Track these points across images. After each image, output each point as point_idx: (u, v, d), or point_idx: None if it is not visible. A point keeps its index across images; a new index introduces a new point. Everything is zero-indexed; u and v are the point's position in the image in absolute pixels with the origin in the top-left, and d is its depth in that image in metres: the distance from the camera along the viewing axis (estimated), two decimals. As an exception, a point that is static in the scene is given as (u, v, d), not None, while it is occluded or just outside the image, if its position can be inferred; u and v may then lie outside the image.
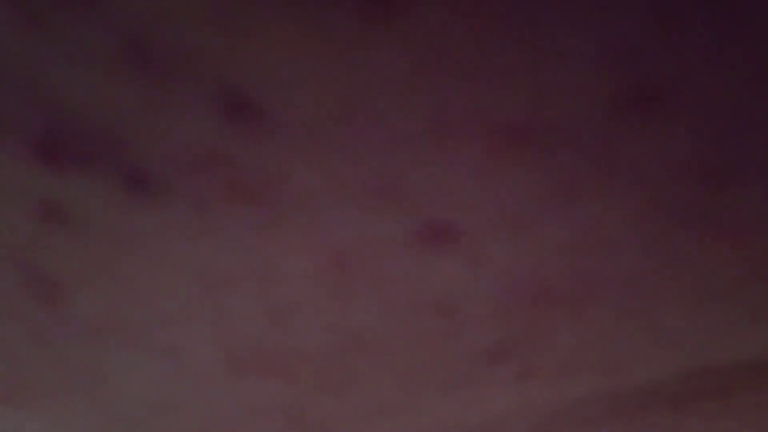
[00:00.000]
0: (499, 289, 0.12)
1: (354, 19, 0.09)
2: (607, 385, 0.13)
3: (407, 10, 0.09)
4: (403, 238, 0.11)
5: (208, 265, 0.12)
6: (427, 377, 0.13)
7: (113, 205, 0.11)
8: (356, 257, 0.11)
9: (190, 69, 0.10)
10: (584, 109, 0.10)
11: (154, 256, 0.12)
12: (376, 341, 0.12)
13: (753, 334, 0.13)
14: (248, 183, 0.11)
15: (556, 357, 0.13)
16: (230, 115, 0.10)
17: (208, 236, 0.11)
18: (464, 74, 0.10)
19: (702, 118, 0.10)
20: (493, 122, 0.10)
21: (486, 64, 0.10)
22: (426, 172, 0.11)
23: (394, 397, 0.13)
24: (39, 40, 0.10)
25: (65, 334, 0.13)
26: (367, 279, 0.12)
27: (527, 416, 0.14)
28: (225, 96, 0.10)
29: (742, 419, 0.14)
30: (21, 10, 0.10)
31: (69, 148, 0.11)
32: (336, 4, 0.09)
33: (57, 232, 0.12)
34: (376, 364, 0.13)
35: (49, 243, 0.12)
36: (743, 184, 0.11)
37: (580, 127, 0.10)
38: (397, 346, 0.12)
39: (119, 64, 0.10)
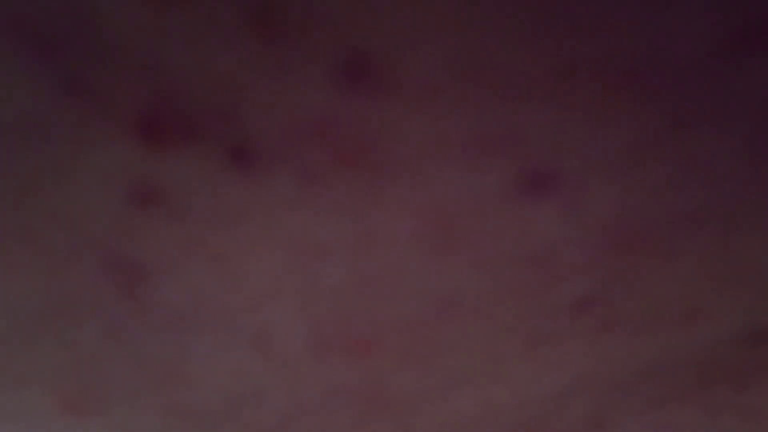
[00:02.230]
0: (594, 236, 0.12)
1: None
2: (682, 342, 0.14)
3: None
4: (502, 191, 0.11)
5: (304, 236, 0.12)
6: (510, 336, 0.13)
7: (214, 181, 0.11)
8: (454, 215, 0.12)
9: (311, 33, 0.10)
10: (696, 49, 0.10)
11: (250, 232, 0.12)
12: (464, 302, 0.12)
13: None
14: (358, 148, 0.11)
15: (639, 306, 0.13)
16: (349, 78, 0.10)
17: (309, 206, 0.11)
18: (586, 21, 0.10)
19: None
20: (611, 66, 0.10)
21: (607, 10, 0.10)
22: (538, 119, 0.11)
23: (476, 363, 0.13)
24: (158, 13, 0.10)
25: (146, 326, 0.13)
26: (463, 237, 0.12)
27: (600, 382, 0.14)
28: (344, 59, 0.10)
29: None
30: None
31: (173, 123, 0.11)
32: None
33: (151, 213, 0.11)
34: (461, 328, 0.13)
35: (140, 225, 0.11)
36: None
37: (692, 66, 0.11)
38: (485, 304, 0.13)
39: (236, 32, 0.10)
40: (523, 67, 0.10)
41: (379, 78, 0.10)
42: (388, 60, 0.10)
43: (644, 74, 0.10)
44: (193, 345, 0.13)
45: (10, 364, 0.13)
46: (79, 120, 0.11)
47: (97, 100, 0.11)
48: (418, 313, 0.13)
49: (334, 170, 0.11)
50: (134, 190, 0.11)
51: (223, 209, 0.11)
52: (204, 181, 0.11)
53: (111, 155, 0.11)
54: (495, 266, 0.12)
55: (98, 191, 0.11)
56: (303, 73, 0.10)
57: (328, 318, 0.13)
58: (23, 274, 0.12)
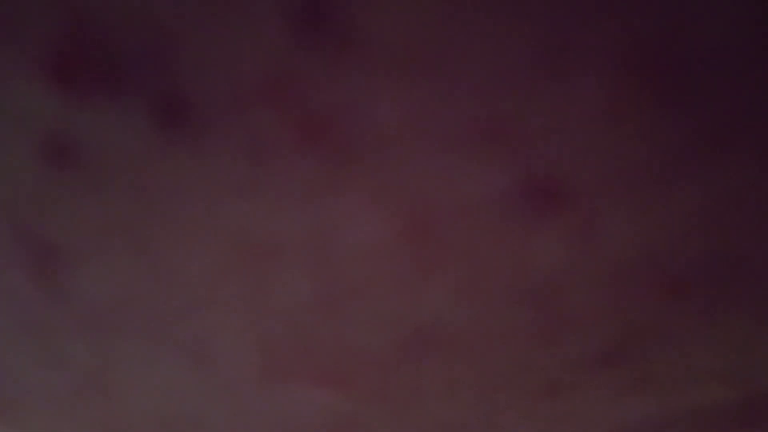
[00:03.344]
0: (614, 272, 0.09)
1: None
2: (727, 399, 0.11)
3: None
4: (498, 199, 0.09)
5: (251, 228, 0.09)
6: (515, 386, 0.11)
7: (140, 144, 0.09)
8: (439, 222, 0.09)
9: None
10: (737, 37, 0.08)
11: (184, 215, 0.09)
12: (454, 337, 0.10)
13: None
14: (316, 118, 0.09)
15: (675, 366, 0.10)
16: (307, 27, 0.08)
17: (258, 189, 0.09)
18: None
19: None
20: (623, 50, 0.08)
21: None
22: (535, 114, 0.08)
23: (472, 411, 0.11)
24: None
25: (62, 322, 0.10)
26: (449, 252, 0.09)
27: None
28: (300, 6, 0.08)
29: None
30: None
31: (90, 67, 0.09)
32: None
33: (65, 176, 0.09)
34: (452, 368, 0.10)
35: (54, 193, 0.09)
36: None
37: (726, 56, 0.08)
38: (480, 343, 0.10)
39: None
40: (510, 44, 0.08)
41: (344, 31, 0.08)
42: (354, 10, 0.08)
43: (669, 70, 0.08)
44: (116, 351, 0.11)
45: None
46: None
47: (5, 29, 0.09)
48: (392, 344, 0.10)
49: (291, 148, 0.09)
50: (48, 146, 0.09)
51: (150, 184, 0.09)
52: (129, 143, 0.09)
53: (21, 99, 0.09)
54: (488, 296, 0.10)
55: (11, 142, 0.09)
56: (250, 16, 0.08)
57: (282, 339, 0.10)
58: None
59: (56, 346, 0.11)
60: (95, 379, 0.11)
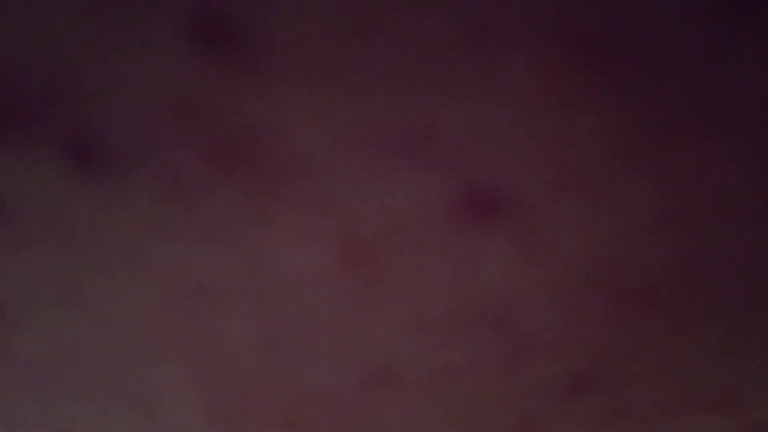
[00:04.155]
0: (571, 283, 0.09)
1: None
2: (718, 427, 0.10)
3: None
4: (436, 212, 0.08)
5: (180, 270, 0.09)
6: (478, 422, 0.10)
7: (56, 190, 0.08)
8: (376, 244, 0.09)
9: None
10: (686, 19, 0.07)
11: (111, 261, 0.09)
12: (410, 370, 0.09)
13: None
14: (233, 142, 0.08)
15: (654, 389, 0.09)
16: (205, 44, 0.08)
17: (181, 227, 0.09)
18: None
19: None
20: (552, 29, 0.07)
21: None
22: (462, 109, 0.08)
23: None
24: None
25: (5, 384, 0.10)
26: (391, 275, 0.09)
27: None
28: (194, 18, 0.08)
29: None
30: None
31: (-7, 108, 0.08)
32: None
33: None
34: (414, 404, 0.10)
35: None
36: None
37: (674, 39, 0.07)
38: (439, 375, 0.09)
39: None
40: (428, 36, 0.07)
41: (244, 43, 0.08)
42: (255, 22, 0.07)
43: (608, 51, 0.07)
44: (62, 410, 0.10)
45: None
46: None
47: None
48: (346, 382, 0.10)
49: (210, 178, 0.08)
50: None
51: (73, 230, 0.09)
52: (44, 191, 0.09)
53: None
54: (438, 323, 0.09)
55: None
56: (152, 41, 0.08)
57: (228, 384, 0.10)
58: None
59: (1, 404, 0.10)
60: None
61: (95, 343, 0.09)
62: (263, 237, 0.09)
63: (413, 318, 0.09)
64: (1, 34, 0.08)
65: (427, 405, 0.10)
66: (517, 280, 0.09)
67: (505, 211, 0.08)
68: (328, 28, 0.07)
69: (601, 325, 0.09)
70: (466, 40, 0.07)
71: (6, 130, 0.08)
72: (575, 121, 0.08)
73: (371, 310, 0.09)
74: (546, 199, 0.08)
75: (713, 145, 0.08)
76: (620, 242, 0.08)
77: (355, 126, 0.08)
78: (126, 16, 0.08)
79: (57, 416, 0.10)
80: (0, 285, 0.09)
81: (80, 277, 0.09)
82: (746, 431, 0.10)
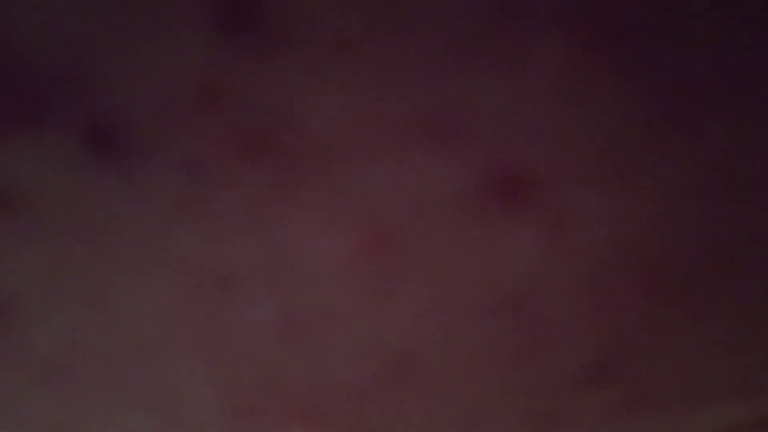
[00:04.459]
0: (591, 269, 0.09)
1: None
2: (735, 414, 0.10)
3: None
4: (459, 198, 0.08)
5: (200, 259, 0.09)
6: (496, 412, 0.10)
7: (70, 176, 0.08)
8: (398, 231, 0.08)
9: None
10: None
11: (128, 250, 0.09)
12: (429, 359, 0.09)
13: None
14: (255, 128, 0.08)
15: (672, 376, 0.09)
16: (232, 31, 0.07)
17: (201, 214, 0.08)
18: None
19: None
20: (582, 16, 0.07)
21: None
22: (483, 96, 0.08)
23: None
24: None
25: (16, 379, 0.10)
26: (413, 264, 0.09)
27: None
28: (223, 5, 0.07)
29: None
30: None
31: (6, 97, 0.08)
32: None
33: (2, 226, 0.09)
34: (431, 393, 0.10)
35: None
36: None
37: (696, 17, 0.07)
38: (457, 364, 0.09)
39: None
40: (452, 19, 0.07)
41: (269, 29, 0.07)
42: (278, 10, 0.07)
43: (627, 39, 0.07)
44: (78, 403, 0.10)
45: None
46: None
47: None
48: (364, 373, 0.09)
49: (230, 163, 0.08)
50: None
51: (89, 219, 0.09)
52: (60, 179, 0.08)
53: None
54: (459, 312, 0.09)
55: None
56: (173, 27, 0.08)
57: (246, 376, 0.10)
58: None
59: (15, 402, 0.10)
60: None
61: (110, 335, 0.09)
62: (285, 226, 0.08)
63: (433, 307, 0.09)
64: (22, 20, 0.08)
65: (445, 393, 0.10)
66: (538, 267, 0.09)
67: (528, 197, 0.08)
68: (352, 13, 0.07)
69: (620, 312, 0.09)
70: (490, 25, 0.07)
71: (26, 118, 0.08)
72: (599, 107, 0.08)
73: (392, 298, 0.09)
74: (568, 185, 0.08)
75: (738, 129, 0.08)
76: (643, 227, 0.08)
77: (378, 112, 0.08)
78: (150, 2, 0.07)
79: (71, 411, 0.10)
80: (16, 276, 0.09)
81: (98, 267, 0.09)
82: (766, 419, 0.10)
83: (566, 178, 0.08)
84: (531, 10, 0.07)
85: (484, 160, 0.08)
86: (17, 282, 0.09)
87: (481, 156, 0.08)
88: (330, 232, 0.09)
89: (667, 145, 0.08)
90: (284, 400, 0.10)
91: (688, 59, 0.08)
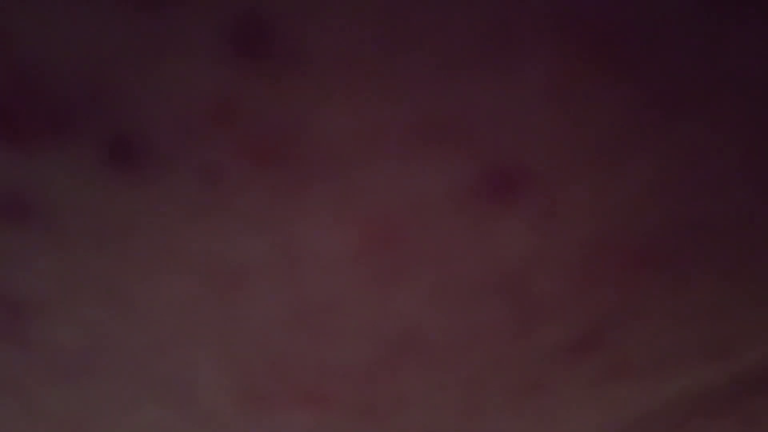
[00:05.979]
0: (579, 250, 0.09)
1: None
2: (710, 377, 0.11)
3: None
4: (458, 193, 0.09)
5: (214, 256, 0.09)
6: (491, 386, 0.11)
7: (91, 187, 0.09)
8: (402, 226, 0.09)
9: None
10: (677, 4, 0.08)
11: (146, 252, 0.09)
12: (429, 342, 0.10)
13: None
14: (268, 138, 0.09)
15: (652, 346, 0.10)
16: (245, 50, 0.08)
17: (217, 217, 0.09)
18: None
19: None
20: (569, 25, 0.08)
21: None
22: (485, 102, 0.08)
23: (450, 418, 0.11)
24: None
25: (35, 375, 0.10)
26: (416, 254, 0.09)
27: (609, 426, 0.11)
28: (234, 25, 0.08)
29: None
30: None
31: (31, 114, 0.09)
32: None
33: (22, 233, 0.09)
34: (431, 374, 0.10)
35: (11, 249, 0.09)
36: None
37: (676, 22, 0.08)
38: (455, 345, 0.10)
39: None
40: (452, 32, 0.08)
41: (283, 49, 0.08)
42: (287, 26, 0.08)
43: (614, 34, 0.08)
44: (95, 397, 0.10)
45: None
46: None
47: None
48: (368, 358, 0.10)
49: (245, 170, 0.09)
50: (1, 204, 0.09)
51: (108, 223, 0.09)
52: (79, 187, 0.09)
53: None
54: (459, 296, 0.10)
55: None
56: (190, 43, 0.08)
57: (258, 364, 0.10)
58: None
59: (31, 399, 0.10)
60: (73, 427, 0.11)
61: (126, 331, 0.10)
62: (294, 224, 0.09)
63: (434, 292, 0.10)
64: (41, 36, 0.08)
65: (443, 373, 0.10)
66: (531, 252, 0.09)
67: (522, 190, 0.09)
68: (362, 35, 0.08)
69: (608, 287, 0.10)
70: (485, 41, 0.08)
71: (47, 133, 0.09)
72: (583, 105, 0.08)
73: (394, 287, 0.10)
74: (560, 177, 0.09)
75: (712, 124, 0.09)
76: (627, 211, 0.09)
77: (382, 120, 0.08)
78: (168, 21, 0.08)
79: (91, 404, 0.10)
80: (40, 279, 0.10)
81: (117, 270, 0.09)
82: (737, 380, 0.11)
83: (558, 173, 0.09)
84: (525, 20, 0.08)
85: (481, 158, 0.09)
86: (41, 285, 0.09)
87: (478, 154, 0.09)
88: (335, 229, 0.09)
89: (647, 142, 0.09)
90: (292, 384, 0.10)
91: (668, 61, 0.08)
